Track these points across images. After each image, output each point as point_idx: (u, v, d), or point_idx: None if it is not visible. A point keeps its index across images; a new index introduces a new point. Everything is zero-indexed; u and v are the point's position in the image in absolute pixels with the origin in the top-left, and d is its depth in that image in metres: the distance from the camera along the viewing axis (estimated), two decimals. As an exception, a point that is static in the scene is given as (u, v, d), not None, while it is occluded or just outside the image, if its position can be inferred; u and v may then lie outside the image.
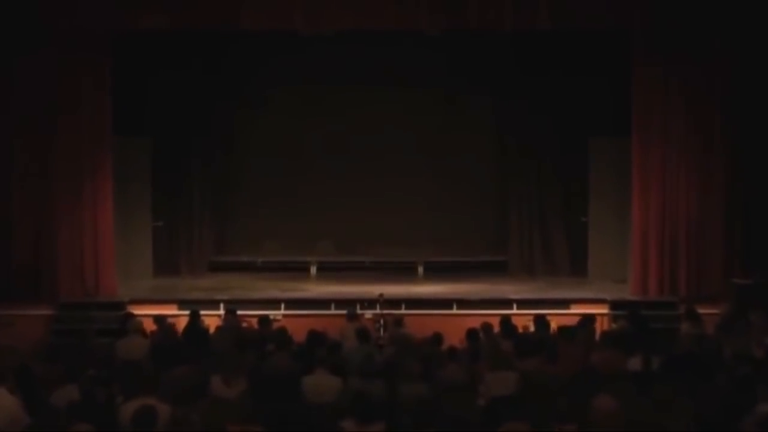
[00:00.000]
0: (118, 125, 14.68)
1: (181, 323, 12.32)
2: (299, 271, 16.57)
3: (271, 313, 13.02)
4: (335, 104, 16.78)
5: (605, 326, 13.11)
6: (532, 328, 11.70)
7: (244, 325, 12.14)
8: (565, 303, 13.90)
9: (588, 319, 11.64)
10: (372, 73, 16.45)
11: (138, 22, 13.92)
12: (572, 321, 11.91)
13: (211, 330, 11.89)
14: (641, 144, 14.44)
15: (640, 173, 14.45)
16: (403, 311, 13.22)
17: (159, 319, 11.79)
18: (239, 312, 12.56)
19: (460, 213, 16.96)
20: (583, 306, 13.69)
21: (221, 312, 13.10)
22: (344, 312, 12.32)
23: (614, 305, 13.77)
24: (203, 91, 16.42)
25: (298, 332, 11.20)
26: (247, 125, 16.93)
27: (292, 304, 13.91)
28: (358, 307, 12.97)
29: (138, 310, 12.80)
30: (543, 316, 11.76)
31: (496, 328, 11.14)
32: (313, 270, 16.76)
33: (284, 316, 13.41)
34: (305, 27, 13.98)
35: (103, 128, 14.38)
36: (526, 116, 16.59)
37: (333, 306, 13.71)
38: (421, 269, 16.75)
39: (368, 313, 13.10)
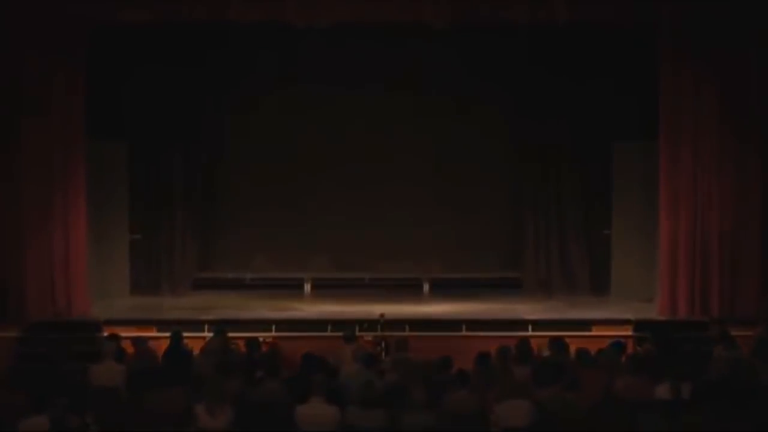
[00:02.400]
0: (93, 128, 14.71)
1: (162, 346, 12.31)
2: (292, 288, 16.57)
3: (261, 335, 13.03)
4: (331, 105, 16.74)
5: (630, 350, 13.08)
6: (546, 352, 11.69)
7: (232, 347, 12.14)
8: (585, 324, 13.89)
9: (617, 345, 11.60)
10: (373, 72, 16.44)
11: (116, 15, 13.95)
12: (593, 344, 11.89)
13: (195, 353, 11.87)
14: (670, 149, 14.44)
15: (669, 181, 14.46)
16: (406, 333, 13.19)
17: (137, 341, 11.77)
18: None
19: (470, 225, 16.93)
20: (606, 327, 13.70)
21: (206, 334, 13.09)
22: (341, 334, 12.29)
23: (639, 326, 13.77)
24: (187, 91, 16.40)
25: (291, 356, 11.20)
26: (235, 128, 16.89)
27: (284, 325, 13.88)
28: (356, 328, 12.95)
29: (114, 332, 12.77)
30: (561, 338, 11.74)
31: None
32: (308, 287, 16.77)
33: (275, 338, 13.40)
34: (299, 18, 14.02)
35: (75, 132, 14.39)
36: (543, 119, 16.59)
37: (329, 327, 13.67)
38: (426, 287, 16.77)
39: (368, 335, 13.10)
